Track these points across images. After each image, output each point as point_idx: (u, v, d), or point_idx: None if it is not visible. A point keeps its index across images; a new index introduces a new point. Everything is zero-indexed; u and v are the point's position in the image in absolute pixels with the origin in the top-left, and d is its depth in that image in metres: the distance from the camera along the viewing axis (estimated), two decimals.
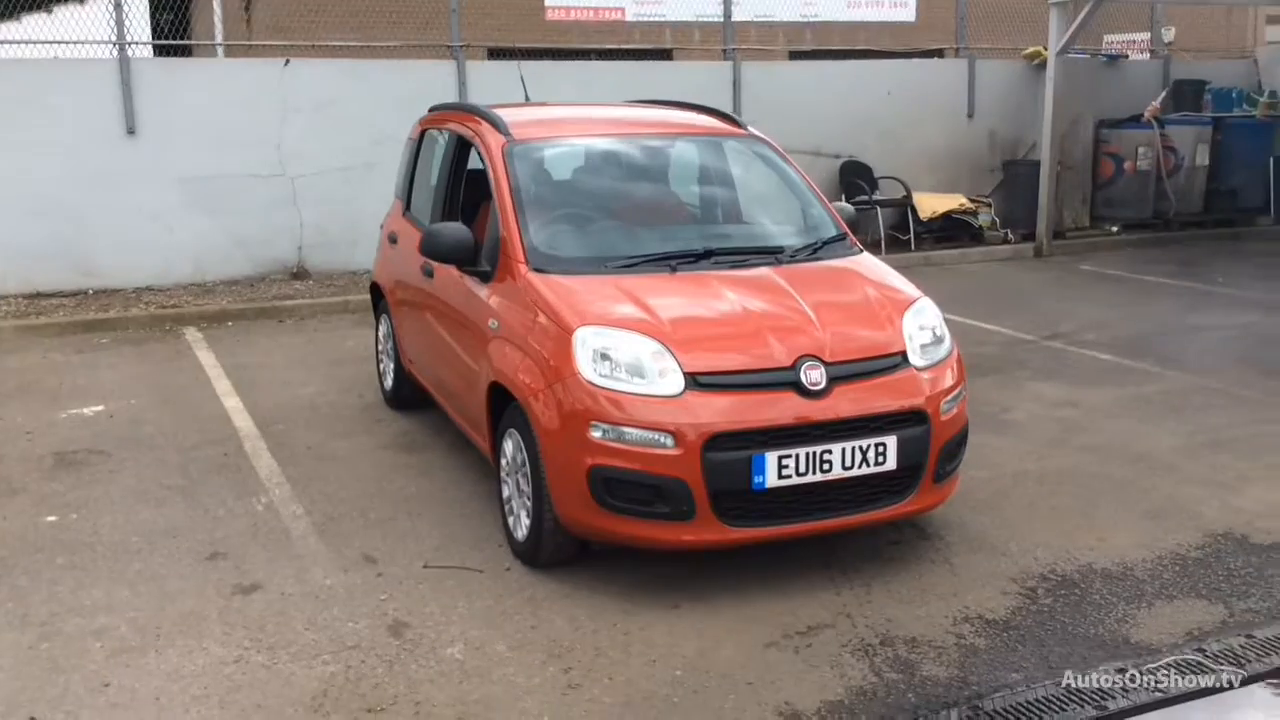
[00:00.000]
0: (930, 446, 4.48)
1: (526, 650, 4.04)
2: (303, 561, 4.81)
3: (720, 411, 4.21)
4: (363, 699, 3.74)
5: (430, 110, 6.76)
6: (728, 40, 12.35)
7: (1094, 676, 3.83)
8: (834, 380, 4.36)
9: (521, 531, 4.69)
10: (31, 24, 11.59)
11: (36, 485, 5.76)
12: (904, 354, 4.58)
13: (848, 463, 4.31)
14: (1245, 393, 7.13)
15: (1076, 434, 6.39)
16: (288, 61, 10.56)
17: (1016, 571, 4.65)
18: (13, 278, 9.90)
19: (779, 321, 4.52)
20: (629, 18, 17.21)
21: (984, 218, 12.82)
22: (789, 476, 4.23)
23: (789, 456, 4.22)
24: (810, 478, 4.26)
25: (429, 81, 10.73)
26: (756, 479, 4.20)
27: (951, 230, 12.73)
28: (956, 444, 4.68)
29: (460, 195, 5.81)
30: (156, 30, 12.28)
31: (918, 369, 4.57)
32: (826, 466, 4.28)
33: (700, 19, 17.58)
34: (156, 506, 5.45)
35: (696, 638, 4.14)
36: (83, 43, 10.17)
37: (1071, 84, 12.87)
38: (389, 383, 6.94)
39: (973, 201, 12.72)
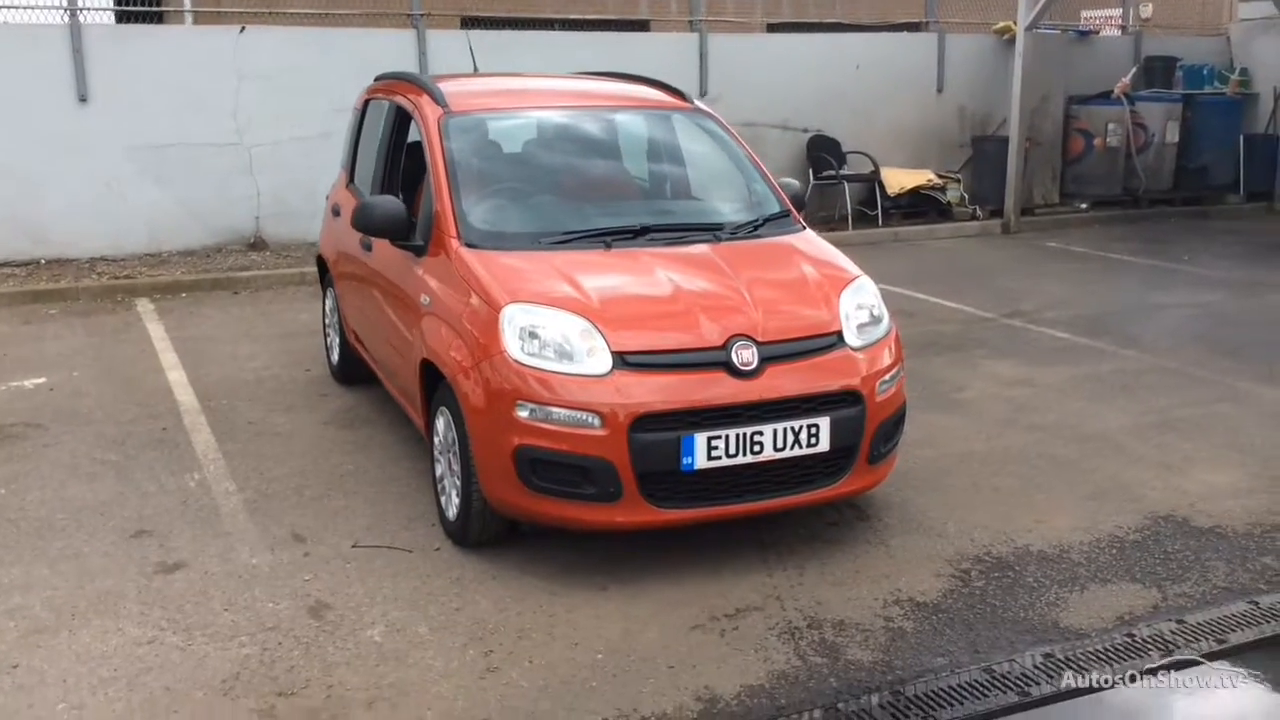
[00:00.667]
0: (865, 427, 4.41)
1: (448, 633, 3.97)
2: (229, 540, 4.72)
3: (648, 391, 4.13)
4: (275, 682, 3.67)
5: (375, 79, 6.62)
6: (695, 11, 12.19)
7: (1019, 661, 3.79)
8: (766, 360, 4.28)
9: (453, 511, 4.61)
10: None
11: None
12: (839, 334, 4.50)
13: (780, 444, 4.24)
14: (1199, 372, 7.09)
15: (1027, 413, 6.34)
16: (243, 29, 10.38)
17: (952, 553, 4.60)
18: None
19: (712, 300, 4.44)
20: None
21: (953, 194, 12.75)
22: (719, 458, 4.16)
23: (719, 438, 4.15)
24: (741, 459, 4.19)
25: (388, 50, 10.56)
26: (685, 460, 4.12)
27: (920, 206, 12.65)
28: (893, 424, 4.62)
29: (400, 167, 5.69)
30: None
31: (853, 349, 4.49)
32: (758, 448, 4.21)
33: None
34: (87, 482, 5.35)
35: (622, 620, 4.07)
36: (34, 8, 9.94)
37: (1042, 59, 12.77)
38: (335, 357, 6.85)
39: (941, 177, 12.65)
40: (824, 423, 4.30)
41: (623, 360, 4.17)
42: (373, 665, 3.77)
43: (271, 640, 3.92)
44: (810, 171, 12.33)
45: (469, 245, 4.71)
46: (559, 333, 4.22)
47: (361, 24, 11.33)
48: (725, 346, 4.24)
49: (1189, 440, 5.89)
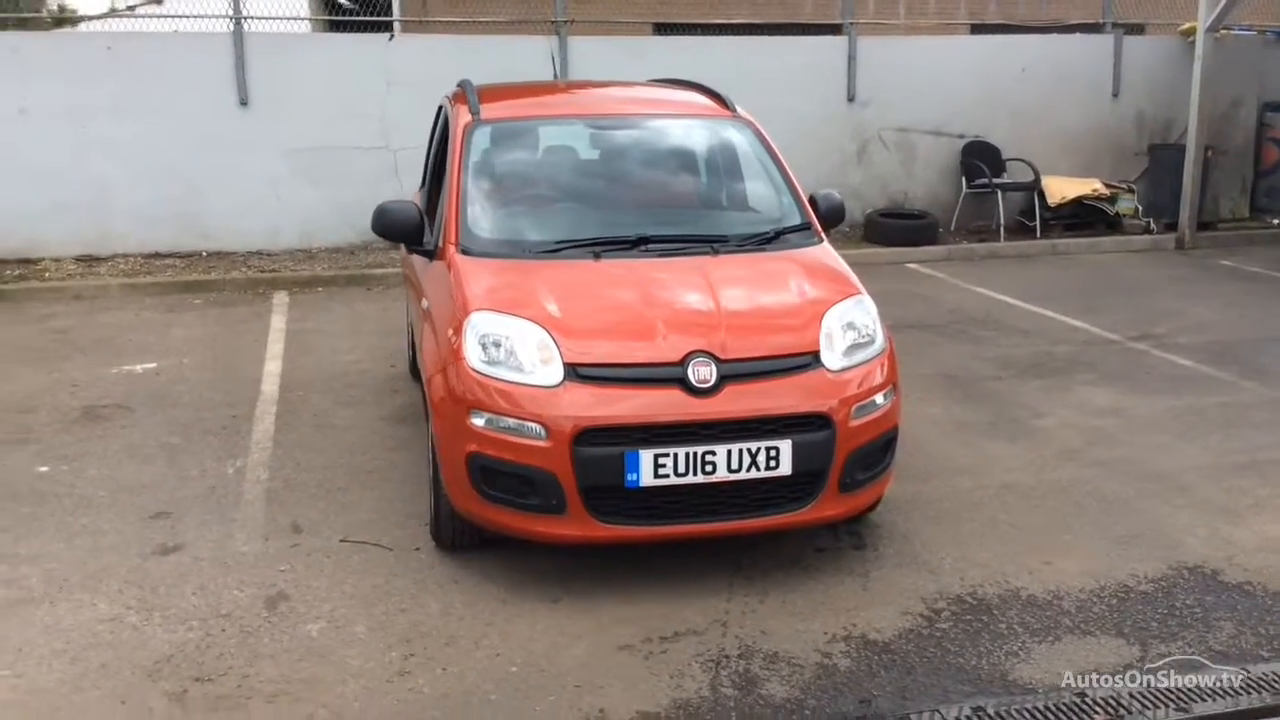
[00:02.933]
0: (835, 453, 4.22)
1: (382, 633, 4.05)
2: (234, 526, 4.95)
3: (594, 405, 4.09)
4: (199, 668, 3.82)
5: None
6: (846, 13, 11.90)
7: (941, 713, 3.54)
8: (726, 378, 4.15)
9: (430, 513, 4.69)
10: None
11: (51, 436, 6.13)
12: (815, 354, 4.31)
13: (734, 465, 4.10)
14: None
15: (1098, 446, 5.90)
16: (392, 36, 10.84)
17: (933, 591, 4.35)
18: (134, 238, 10.56)
19: (680, 315, 4.35)
20: None
21: (1125, 205, 11.96)
22: (666, 476, 4.07)
23: (666, 455, 4.06)
24: (691, 479, 4.09)
25: (532, 57, 10.76)
26: (630, 476, 4.05)
27: (1085, 218, 11.93)
28: (873, 451, 4.39)
29: (442, 173, 5.81)
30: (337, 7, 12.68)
31: (831, 370, 4.30)
32: (709, 468, 4.09)
33: None
34: (140, 464, 5.72)
35: (556, 634, 4.05)
36: (202, 16, 10.66)
37: (1232, 63, 11.83)
38: (410, 354, 7.06)
39: (1110, 187, 11.89)
40: (785, 446, 4.14)
41: (574, 372, 4.14)
42: (295, 659, 3.88)
43: (217, 627, 4.09)
44: (963, 180, 11.83)
45: (464, 252, 4.78)
46: (517, 342, 4.23)
47: (514, 31, 11.58)
48: (683, 363, 4.14)
49: (1268, 485, 5.35)
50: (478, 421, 4.17)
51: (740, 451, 4.10)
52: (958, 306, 9.14)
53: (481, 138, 5.26)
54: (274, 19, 10.81)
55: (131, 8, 16.53)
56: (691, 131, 5.59)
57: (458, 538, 4.56)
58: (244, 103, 10.54)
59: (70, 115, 10.22)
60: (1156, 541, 4.76)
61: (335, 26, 13.19)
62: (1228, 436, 6.03)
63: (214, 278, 9.99)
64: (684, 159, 5.51)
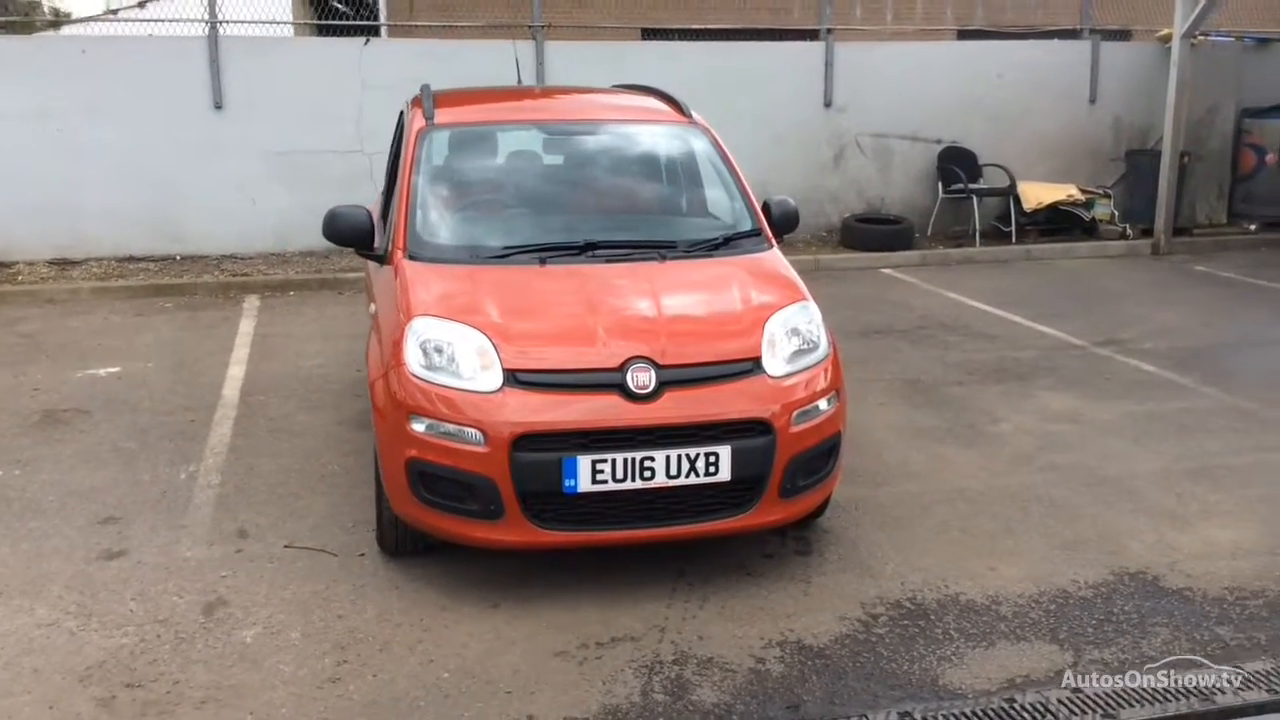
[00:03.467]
0: (775, 459, 4.22)
1: (316, 640, 4.04)
2: (180, 532, 4.94)
3: (532, 410, 4.09)
4: (130, 674, 3.82)
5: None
6: (822, 19, 11.91)
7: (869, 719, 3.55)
8: (666, 384, 4.15)
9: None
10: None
11: (7, 440, 6.12)
12: (757, 360, 4.32)
13: (673, 471, 4.10)
14: (1275, 416, 6.44)
15: (1052, 451, 5.91)
16: (368, 40, 10.84)
17: (873, 596, 4.35)
18: (109, 241, 10.55)
19: (621, 321, 4.35)
20: None
21: (1101, 210, 11.98)
22: (604, 482, 4.07)
23: (604, 461, 4.05)
24: (629, 484, 4.09)
25: (509, 61, 10.76)
26: (568, 482, 4.05)
27: (1062, 223, 11.95)
28: (815, 457, 4.39)
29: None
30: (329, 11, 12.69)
31: (772, 376, 4.30)
32: (648, 474, 4.09)
33: None
34: (95, 468, 5.71)
35: (492, 639, 4.05)
36: (178, 21, 10.66)
37: (1209, 69, 11.87)
38: None
39: (1085, 193, 11.90)
40: (724, 452, 4.14)
41: (513, 378, 4.14)
42: (228, 665, 3.87)
43: (153, 633, 4.08)
44: (939, 185, 11.85)
45: (411, 257, 4.78)
46: (458, 348, 4.23)
47: (495, 36, 11.58)
48: (621, 368, 4.14)
49: (1219, 491, 5.36)
50: (418, 427, 4.17)
51: (679, 457, 4.10)
52: (927, 311, 9.14)
53: (433, 143, 5.26)
54: (250, 23, 10.79)
55: (114, 11, 16.59)
56: (645, 137, 5.59)
57: (401, 543, 4.56)
58: (219, 106, 10.54)
59: (45, 118, 10.23)
60: (1101, 547, 4.77)
61: (323, 30, 13.22)
62: (1182, 442, 6.04)
63: (185, 281, 9.99)
64: (637, 165, 5.51)
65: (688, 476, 4.13)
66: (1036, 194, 11.74)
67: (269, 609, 4.26)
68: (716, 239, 5.02)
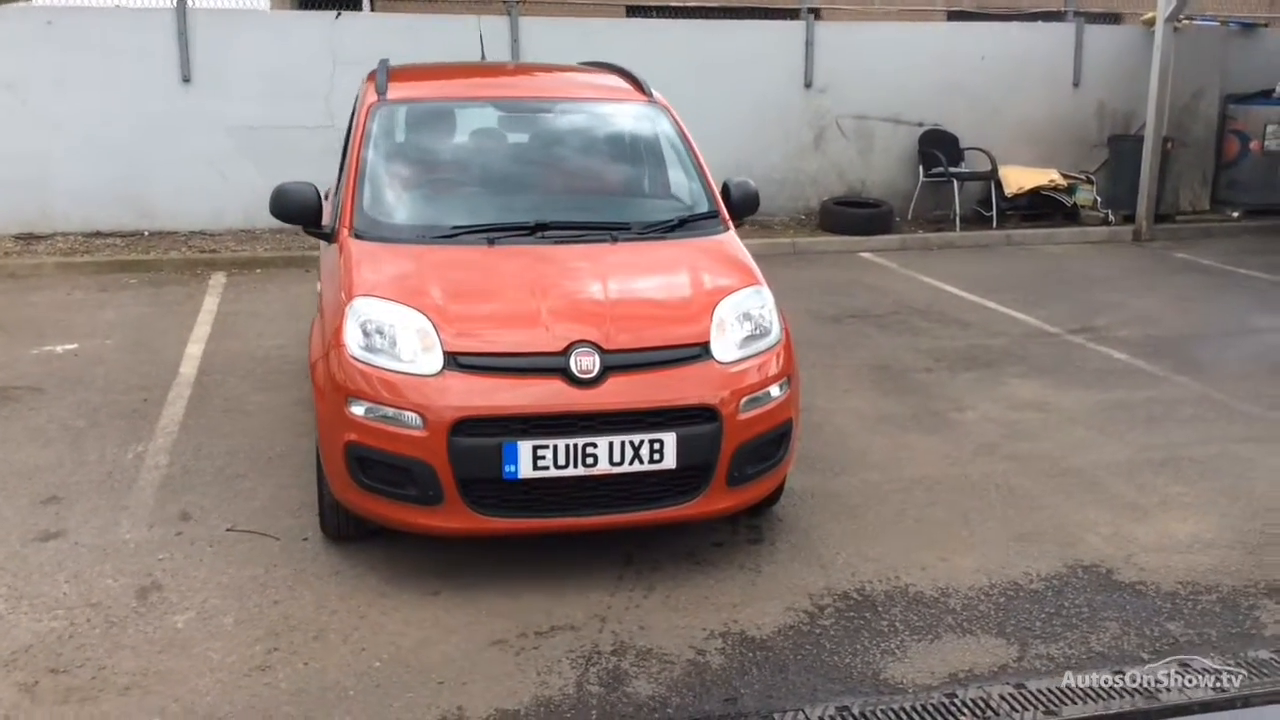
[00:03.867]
0: (722, 446, 4.13)
1: (250, 626, 3.95)
2: (121, 514, 4.85)
3: (472, 394, 3.99)
4: (56, 659, 3.73)
5: None
6: None
7: (805, 713, 3.47)
8: (610, 369, 4.06)
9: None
10: None
11: None
12: (705, 345, 4.22)
13: (616, 458, 4.01)
14: (1245, 407, 6.37)
15: (1016, 440, 5.83)
16: (339, 14, 10.68)
17: (821, 587, 4.27)
18: (76, 216, 10.42)
19: (566, 304, 4.25)
20: None
21: (1083, 196, 11.88)
22: (546, 468, 3.97)
23: (545, 447, 3.96)
24: (571, 471, 3.99)
25: (472, 37, 10.63)
26: (508, 468, 3.96)
27: (1043, 208, 11.86)
28: (765, 444, 4.30)
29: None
30: None
31: (720, 362, 4.21)
32: (591, 460, 4.00)
33: None
34: (42, 447, 5.60)
35: (430, 628, 3.96)
36: None
37: (1193, 53, 11.77)
38: None
39: (1067, 178, 11.81)
40: (669, 439, 4.05)
41: (454, 361, 4.05)
42: (156, 651, 3.78)
43: (83, 616, 3.99)
44: (920, 168, 11.75)
45: (356, 236, 4.67)
46: (399, 330, 4.13)
47: (474, 11, 11.42)
48: (565, 353, 4.05)
49: (1181, 483, 5.29)
50: (356, 410, 4.07)
51: (623, 444, 4.01)
52: (902, 297, 9.05)
53: (384, 118, 5.15)
54: None
55: None
56: (604, 116, 5.48)
57: (343, 528, 4.47)
58: (186, 80, 10.40)
59: (10, 90, 10.08)
60: (1056, 538, 4.70)
61: (305, 3, 13.05)
62: (1149, 432, 5.96)
63: (152, 258, 9.86)
64: (593, 144, 5.39)
65: (632, 464, 4.03)
66: (1018, 178, 11.64)
67: (204, 594, 4.17)
68: (672, 220, 4.92)
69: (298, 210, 4.92)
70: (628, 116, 5.46)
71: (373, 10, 13.23)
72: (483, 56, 6.78)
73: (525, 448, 3.96)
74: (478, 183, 5.12)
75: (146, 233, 10.52)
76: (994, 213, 11.69)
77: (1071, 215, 11.87)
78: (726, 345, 4.26)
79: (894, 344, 7.66)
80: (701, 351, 4.21)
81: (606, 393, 4.03)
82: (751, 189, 5.29)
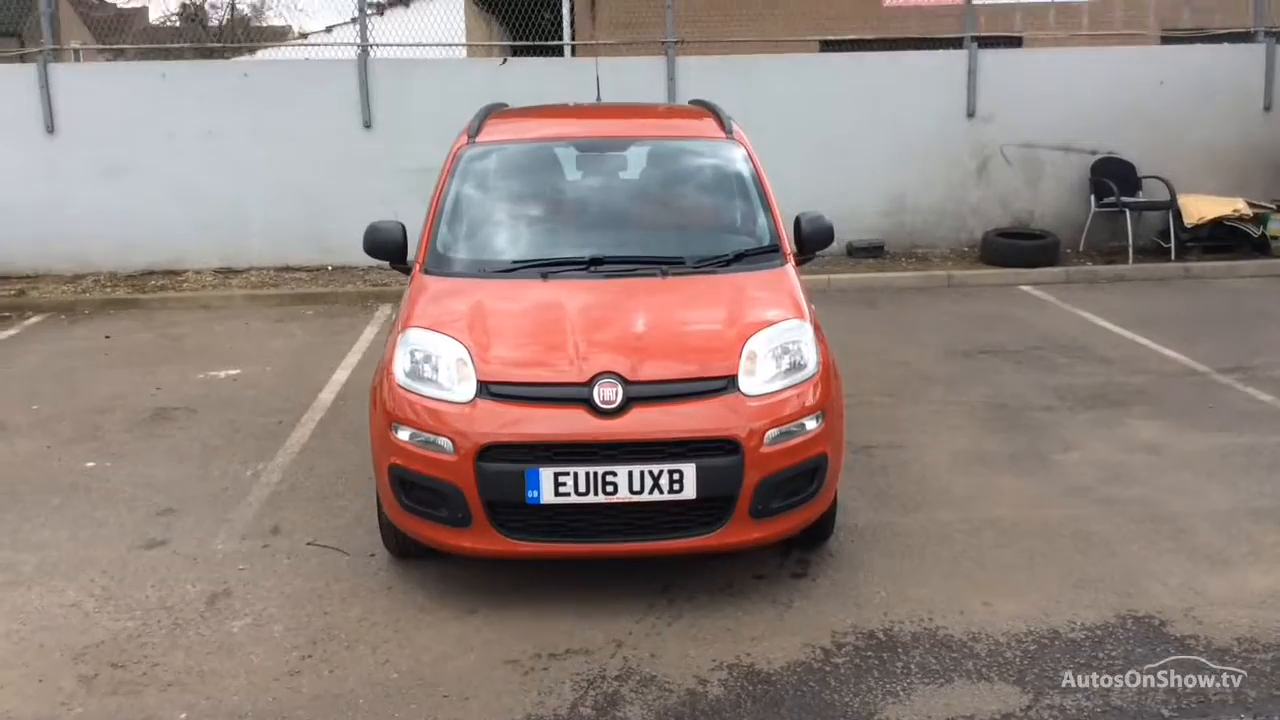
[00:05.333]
0: (744, 479, 4.18)
1: (295, 634, 4.26)
2: (221, 526, 5.28)
3: (500, 422, 4.19)
4: (120, 654, 4.13)
5: None
6: (968, 25, 11.54)
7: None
8: (634, 400, 4.18)
9: None
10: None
11: (114, 435, 6.67)
12: (732, 378, 4.28)
13: (636, 487, 4.13)
14: None
15: (1113, 484, 5.59)
16: (504, 60, 11.21)
17: (848, 625, 4.25)
18: (269, 252, 11.30)
19: (599, 337, 4.40)
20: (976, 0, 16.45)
21: (1275, 226, 11.12)
22: (567, 494, 4.13)
23: (566, 474, 4.12)
24: (592, 498, 4.14)
25: (638, 76, 11.00)
26: (531, 493, 4.14)
27: (1229, 240, 11.17)
28: (793, 478, 4.31)
29: None
30: (536, 30, 13.23)
31: (747, 395, 4.26)
32: (611, 489, 4.13)
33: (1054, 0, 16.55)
34: (177, 463, 6.16)
35: (454, 644, 4.17)
36: (332, 45, 11.31)
37: None
38: None
39: (1255, 208, 11.08)
40: (689, 470, 4.14)
41: (487, 390, 4.26)
42: (206, 653, 4.14)
43: (154, 618, 4.40)
44: (1092, 198, 11.29)
45: (426, 271, 4.97)
46: (441, 359, 4.39)
47: (653, 52, 11.69)
48: (589, 384, 4.20)
49: None
50: (400, 435, 4.34)
51: (642, 473, 4.12)
52: (1048, 332, 8.74)
53: (467, 161, 5.46)
54: (398, 45, 11.34)
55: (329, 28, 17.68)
56: (677, 153, 5.62)
57: (401, 545, 4.74)
58: (368, 125, 11.12)
59: (211, 138, 11.04)
60: (1117, 587, 4.49)
61: (516, 51, 13.80)
62: (1265, 480, 5.60)
63: (329, 291, 10.58)
64: (661, 180, 5.53)
65: (651, 493, 4.14)
66: (1198, 208, 11.02)
67: (265, 602, 4.52)
68: (727, 255, 4.99)
69: (384, 247, 5.26)
70: (701, 153, 5.58)
71: (573, 56, 13.84)
72: (598, 98, 7.02)
73: (547, 474, 4.12)
74: (544, 219, 5.34)
75: (329, 267, 11.29)
76: (1172, 244, 11.09)
77: (1261, 247, 11.13)
78: (756, 379, 4.31)
79: (1022, 380, 7.42)
80: (728, 384, 4.28)
81: (628, 423, 4.16)
82: (824, 223, 5.31)
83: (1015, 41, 15.40)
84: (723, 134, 5.65)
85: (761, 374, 4.34)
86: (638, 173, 5.55)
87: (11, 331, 9.54)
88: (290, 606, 4.48)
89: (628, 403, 4.18)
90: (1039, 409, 6.83)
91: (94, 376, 8.00)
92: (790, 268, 5.02)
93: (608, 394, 4.18)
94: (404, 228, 5.31)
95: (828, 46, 14.36)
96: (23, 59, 11.88)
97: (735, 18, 14.83)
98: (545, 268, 4.86)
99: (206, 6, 29.31)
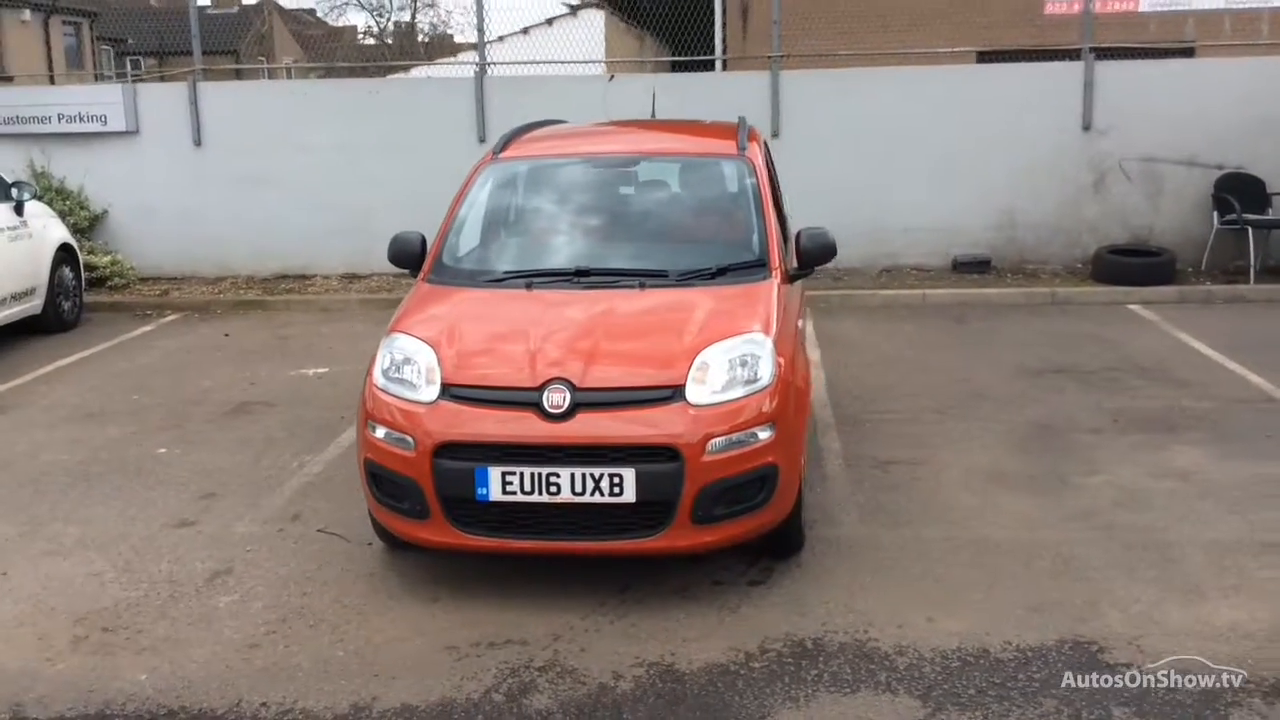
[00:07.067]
0: (684, 485, 4.32)
1: (271, 611, 4.61)
2: (250, 511, 5.72)
3: (455, 422, 4.46)
4: (114, 620, 4.57)
5: None
6: (1085, 37, 11.20)
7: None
8: (580, 405, 4.38)
9: None
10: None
11: (195, 424, 7.25)
12: (679, 387, 4.43)
13: (578, 488, 4.32)
14: None
15: (1123, 509, 5.45)
16: (612, 77, 11.52)
17: (782, 633, 4.33)
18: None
19: (558, 344, 4.61)
20: (1143, 7, 15.90)
21: None
22: (514, 493, 4.36)
23: (513, 474, 4.35)
24: (537, 498, 4.35)
25: (740, 93, 11.15)
26: (480, 490, 4.38)
27: None
28: (738, 486, 4.41)
29: None
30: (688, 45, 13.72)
31: (694, 405, 4.40)
32: (554, 489, 4.34)
33: (1230, 7, 15.85)
34: (237, 452, 6.67)
35: (406, 629, 4.45)
36: (454, 63, 11.86)
37: None
38: None
39: None
40: (629, 474, 4.30)
41: (449, 392, 4.53)
42: (187, 624, 4.53)
43: (158, 590, 4.84)
44: (1215, 215, 10.79)
45: (428, 280, 5.29)
46: (416, 363, 4.68)
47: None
48: (540, 388, 4.42)
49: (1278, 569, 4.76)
50: (374, 432, 4.66)
51: (584, 476, 4.32)
52: (1133, 353, 8.45)
53: (484, 177, 5.76)
54: (514, 63, 11.80)
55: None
56: (684, 170, 5.79)
57: (386, 534, 5.05)
58: (482, 139, 11.60)
59: (342, 151, 11.74)
60: (1074, 612, 4.42)
61: (677, 65, 14.23)
62: None
63: None
64: (664, 196, 5.71)
65: (592, 495, 4.32)
66: None
67: (257, 581, 4.90)
68: (711, 269, 5.12)
69: (405, 256, 5.61)
70: (708, 169, 5.74)
71: (724, 70, 14.10)
72: (653, 114, 7.23)
73: (495, 473, 4.36)
74: (544, 232, 5.59)
75: None
76: None
77: None
78: (704, 389, 4.44)
79: (1080, 402, 7.23)
80: (674, 394, 4.42)
81: (573, 427, 4.35)
82: (827, 239, 5.37)
83: (1188, 51, 14.77)
84: (734, 151, 5.77)
85: (712, 384, 4.46)
86: (641, 189, 5.74)
87: (147, 328, 10.39)
88: (277, 586, 4.85)
89: (575, 408, 4.38)
90: (1085, 430, 6.66)
91: (200, 371, 8.66)
92: (775, 282, 5.11)
93: (556, 399, 4.39)
94: (424, 238, 5.64)
95: (984, 58, 14.10)
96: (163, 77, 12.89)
97: (891, 27, 14.75)
98: (532, 278, 5.10)
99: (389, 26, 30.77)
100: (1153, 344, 8.74)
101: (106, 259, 11.63)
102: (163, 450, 6.74)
